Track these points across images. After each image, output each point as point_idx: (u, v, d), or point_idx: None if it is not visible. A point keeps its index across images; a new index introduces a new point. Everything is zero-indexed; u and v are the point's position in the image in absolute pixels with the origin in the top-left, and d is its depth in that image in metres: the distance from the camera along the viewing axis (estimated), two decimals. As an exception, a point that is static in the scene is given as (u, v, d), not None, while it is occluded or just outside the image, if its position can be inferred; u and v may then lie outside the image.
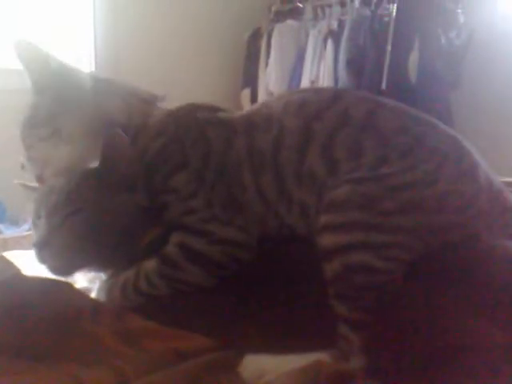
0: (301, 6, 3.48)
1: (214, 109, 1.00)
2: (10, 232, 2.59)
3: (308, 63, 3.32)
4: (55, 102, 0.96)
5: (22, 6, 2.91)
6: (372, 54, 3.16)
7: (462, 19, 3.17)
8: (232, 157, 0.91)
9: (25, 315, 0.71)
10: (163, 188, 0.92)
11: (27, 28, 2.91)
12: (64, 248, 0.89)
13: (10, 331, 0.70)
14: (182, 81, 2.90)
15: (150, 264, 0.91)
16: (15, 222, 2.71)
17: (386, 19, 3.19)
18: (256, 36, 3.51)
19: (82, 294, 0.82)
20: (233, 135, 0.93)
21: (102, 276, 0.96)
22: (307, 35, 3.38)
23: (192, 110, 0.99)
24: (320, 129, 0.86)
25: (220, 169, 0.91)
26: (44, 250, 0.88)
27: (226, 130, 0.94)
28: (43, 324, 0.72)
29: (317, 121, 0.87)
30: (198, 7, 3.34)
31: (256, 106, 1.01)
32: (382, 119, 0.87)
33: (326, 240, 0.81)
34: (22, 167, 1.00)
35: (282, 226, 0.90)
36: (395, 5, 3.12)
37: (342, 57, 3.21)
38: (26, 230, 2.56)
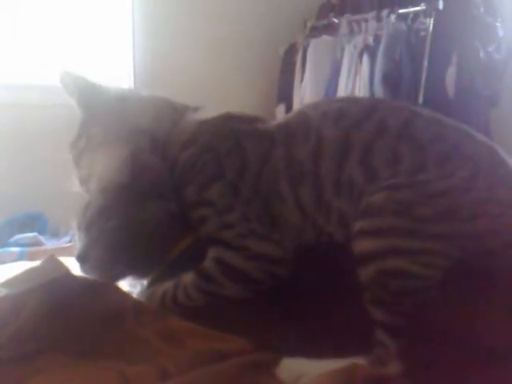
0: (336, 21, 3.48)
1: (250, 119, 1.01)
2: (50, 244, 2.66)
3: (343, 78, 3.32)
4: (85, 112, 1.02)
5: (60, 20, 3.00)
6: (408, 69, 3.15)
7: (501, 33, 3.13)
8: (269, 169, 0.92)
9: (71, 313, 0.74)
10: (198, 200, 0.93)
11: (66, 46, 3.01)
12: (103, 259, 0.93)
13: (57, 328, 0.73)
14: (218, 95, 2.94)
15: (189, 277, 0.92)
16: (56, 234, 2.78)
17: (423, 33, 3.17)
18: (291, 51, 3.54)
19: (125, 295, 0.85)
20: (270, 147, 0.93)
21: (143, 282, 0.98)
22: (342, 50, 3.38)
23: (227, 119, 1.01)
24: (358, 138, 0.87)
25: (256, 182, 0.92)
26: (85, 262, 0.93)
27: (262, 141, 0.95)
28: (88, 322, 0.75)
29: (355, 131, 0.88)
30: (234, 22, 3.40)
31: (292, 115, 1.01)
32: (418, 128, 0.87)
33: (362, 245, 0.82)
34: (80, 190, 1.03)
35: (320, 235, 0.90)
36: (432, 19, 3.09)
37: (378, 71, 3.21)
38: (66, 241, 2.63)
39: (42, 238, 2.66)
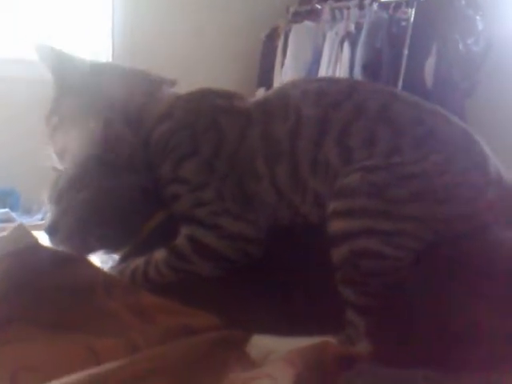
0: (319, 7, 3.48)
1: (228, 95, 0.99)
2: (22, 220, 2.63)
3: (324, 64, 3.33)
4: (57, 88, 1.00)
5: None
6: (388, 58, 3.16)
7: (480, 26, 3.16)
8: (246, 147, 0.91)
9: (41, 284, 0.73)
10: (173, 177, 0.92)
11: (45, 20, 2.96)
12: (73, 231, 0.92)
13: (27, 298, 0.72)
14: (198, 77, 2.90)
15: (160, 254, 0.92)
16: (28, 211, 2.75)
17: (404, 23, 3.19)
18: (273, 36, 3.53)
19: (96, 268, 0.84)
20: (247, 124, 0.92)
21: (115, 257, 0.98)
22: (324, 37, 3.39)
23: (204, 95, 0.99)
24: (337, 119, 0.87)
25: (232, 159, 0.91)
26: (55, 234, 0.91)
27: (239, 118, 0.93)
28: (58, 294, 0.74)
29: (334, 111, 0.88)
30: (217, 4, 3.37)
31: (271, 92, 1.00)
32: (396, 111, 0.88)
33: (335, 226, 0.82)
34: (54, 169, 1.02)
35: (295, 215, 0.90)
36: (413, 9, 3.11)
37: (359, 59, 3.22)
38: (39, 219, 2.60)
39: (13, 215, 2.62)
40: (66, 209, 0.92)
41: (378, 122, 0.86)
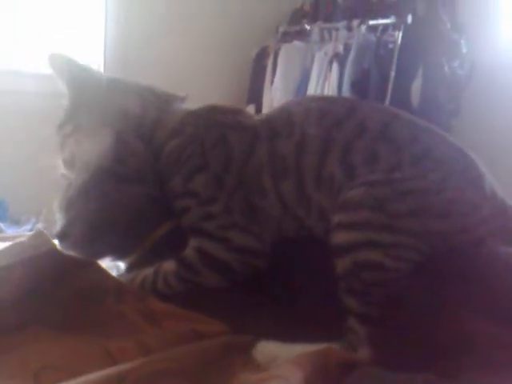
0: (308, 27, 3.55)
1: (234, 111, 1.03)
2: (10, 231, 2.62)
3: (313, 83, 3.38)
4: (75, 99, 1.02)
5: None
6: (376, 79, 3.24)
7: (465, 49, 3.25)
8: (253, 162, 0.94)
9: (55, 289, 0.75)
10: (183, 191, 0.95)
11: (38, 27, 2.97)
12: (82, 237, 0.95)
13: (41, 302, 0.74)
14: (189, 92, 2.94)
15: (169, 266, 0.94)
16: (16, 222, 2.75)
17: (391, 46, 3.26)
18: (263, 54, 3.58)
19: (107, 274, 0.86)
20: (254, 140, 0.96)
21: (120, 265, 1.00)
22: (313, 56, 3.45)
23: (213, 111, 1.03)
24: (339, 137, 0.91)
25: (240, 174, 0.94)
26: (64, 240, 0.94)
27: (246, 134, 0.97)
28: (71, 298, 0.77)
29: (336, 129, 0.91)
30: (208, 23, 3.42)
31: (275, 110, 1.04)
32: (395, 129, 0.92)
33: (339, 237, 0.85)
34: (62, 176, 1.04)
35: (300, 228, 0.93)
36: (401, 32, 3.19)
37: (347, 79, 3.28)
38: (27, 230, 2.60)
39: (1, 225, 2.61)
40: (75, 216, 0.95)
41: (378, 140, 0.90)
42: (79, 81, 1.01)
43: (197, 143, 0.97)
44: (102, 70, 3.12)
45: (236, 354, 0.78)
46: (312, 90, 3.39)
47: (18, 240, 0.78)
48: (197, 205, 0.94)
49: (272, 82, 3.51)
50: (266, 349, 0.82)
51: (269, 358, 0.80)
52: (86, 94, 1.01)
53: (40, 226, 2.74)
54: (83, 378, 0.59)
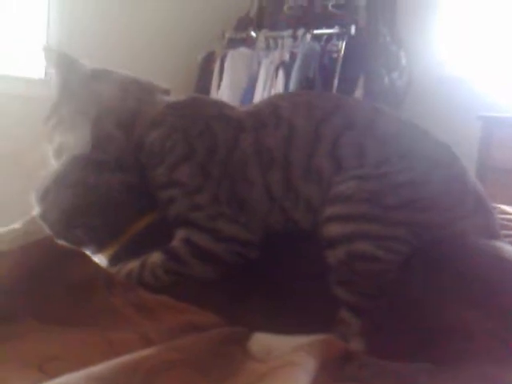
0: (254, 35, 3.58)
1: (217, 104, 1.03)
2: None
3: (259, 89, 3.41)
4: (59, 91, 1.01)
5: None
6: (320, 87, 3.30)
7: (403, 61, 3.38)
8: (238, 153, 0.94)
9: (46, 279, 0.72)
10: (168, 181, 0.93)
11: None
12: (59, 222, 0.92)
13: (32, 293, 0.70)
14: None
15: (156, 257, 0.92)
16: None
17: (335, 55, 3.35)
18: (209, 59, 3.58)
19: (97, 265, 0.82)
20: (239, 131, 0.95)
21: (102, 259, 0.96)
22: (259, 64, 3.48)
23: (195, 102, 1.03)
24: (327, 131, 0.92)
25: (225, 164, 0.93)
26: None
27: (231, 125, 0.97)
28: (62, 290, 0.73)
29: (324, 124, 0.92)
30: (154, 26, 3.39)
31: (261, 103, 1.05)
32: (381, 125, 0.94)
33: (332, 229, 0.86)
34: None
35: (287, 221, 0.93)
36: (344, 42, 3.27)
37: (292, 87, 3.33)
38: None
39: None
40: (51, 204, 0.92)
41: (365, 135, 0.92)
42: (66, 73, 1.01)
43: (180, 133, 0.95)
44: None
45: (232, 345, 0.76)
46: (258, 96, 3.41)
47: (11, 226, 0.73)
48: (183, 195, 0.92)
49: (218, 86, 3.51)
50: (262, 340, 0.81)
51: (264, 350, 0.79)
52: (69, 86, 1.01)
53: None
54: (95, 369, 0.56)
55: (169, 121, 0.97)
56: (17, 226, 0.73)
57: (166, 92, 1.06)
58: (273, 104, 1.00)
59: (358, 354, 0.79)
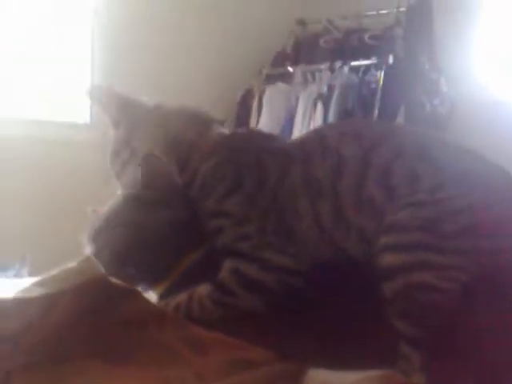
0: (291, 70, 3.61)
1: (269, 136, 1.04)
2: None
3: (298, 124, 3.42)
4: (128, 128, 1.04)
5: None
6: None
7: (445, 88, 3.34)
8: (287, 184, 0.93)
9: (99, 318, 0.71)
10: (217, 211, 0.93)
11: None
12: (111, 263, 0.91)
13: (85, 333, 0.69)
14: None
15: (204, 289, 0.90)
16: (3, 269, 2.65)
17: (374, 86, 3.33)
18: (248, 96, 3.62)
19: (148, 301, 0.81)
20: (288, 163, 0.94)
21: (152, 296, 0.96)
22: (297, 98, 3.49)
23: (248, 135, 1.04)
24: (377, 159, 0.89)
25: (274, 196, 0.92)
26: None
27: (281, 157, 0.96)
28: (114, 328, 0.72)
29: (373, 152, 0.90)
30: (193, 64, 3.46)
31: (307, 134, 1.05)
32: (435, 150, 0.91)
33: (388, 259, 0.83)
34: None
35: (337, 250, 0.91)
36: (382, 72, 3.26)
37: (331, 120, 3.32)
38: (12, 275, 2.52)
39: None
40: (103, 244, 0.93)
41: (417, 161, 0.89)
42: (129, 107, 1.04)
43: (232, 165, 0.96)
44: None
45: (288, 382, 0.74)
46: (297, 130, 3.42)
47: (65, 266, 0.73)
48: (231, 225, 0.91)
49: (257, 123, 3.54)
50: (319, 377, 0.78)
51: (322, 387, 0.76)
52: (137, 120, 1.03)
53: (25, 270, 2.67)
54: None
55: (222, 153, 0.98)
56: (71, 265, 0.73)
57: (221, 122, 1.07)
58: (319, 134, 0.99)
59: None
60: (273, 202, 0.92)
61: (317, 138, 0.97)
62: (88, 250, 0.93)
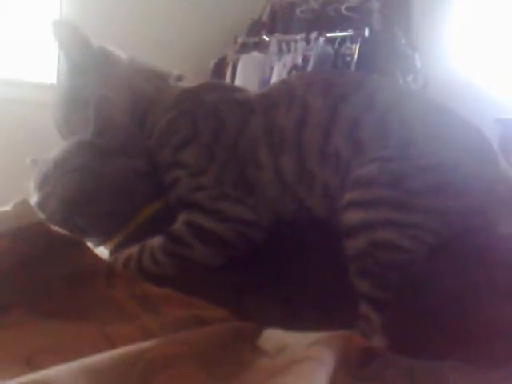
0: (266, 39, 3.54)
1: (230, 88, 1.01)
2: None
3: (272, 94, 3.36)
4: (99, 82, 0.97)
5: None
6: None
7: (418, 65, 3.32)
8: (247, 135, 0.89)
9: (40, 268, 0.66)
10: (172, 161, 0.90)
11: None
12: (58, 212, 0.86)
13: (24, 282, 0.64)
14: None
15: (156, 241, 0.87)
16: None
17: (349, 58, 3.28)
18: (221, 64, 3.54)
19: (97, 255, 0.76)
20: (249, 114, 0.91)
21: (105, 251, 0.91)
22: (272, 68, 3.43)
23: (208, 88, 0.99)
24: (346, 110, 0.85)
25: (233, 147, 0.89)
26: None
27: (241, 108, 0.92)
28: (57, 280, 0.67)
29: (343, 103, 0.86)
30: (167, 30, 3.37)
31: (274, 84, 1.01)
32: (407, 105, 0.87)
33: (352, 216, 0.79)
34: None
35: (299, 209, 0.87)
36: (358, 45, 3.22)
37: (305, 91, 3.27)
38: None
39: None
40: (50, 191, 0.87)
41: (389, 116, 0.85)
42: (104, 62, 1.00)
43: (188, 116, 0.92)
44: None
45: (243, 341, 0.70)
46: (271, 100, 3.36)
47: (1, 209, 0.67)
48: (187, 176, 0.88)
49: (230, 92, 3.47)
50: (274, 337, 0.74)
51: (277, 347, 0.72)
52: (111, 78, 0.99)
53: None
54: (88, 361, 0.50)
55: (179, 106, 0.95)
56: (5, 208, 0.67)
57: (179, 78, 1.02)
58: (286, 84, 0.95)
59: (383, 352, 0.72)
60: (232, 153, 0.88)
61: (284, 88, 0.93)
62: (33, 198, 0.87)
